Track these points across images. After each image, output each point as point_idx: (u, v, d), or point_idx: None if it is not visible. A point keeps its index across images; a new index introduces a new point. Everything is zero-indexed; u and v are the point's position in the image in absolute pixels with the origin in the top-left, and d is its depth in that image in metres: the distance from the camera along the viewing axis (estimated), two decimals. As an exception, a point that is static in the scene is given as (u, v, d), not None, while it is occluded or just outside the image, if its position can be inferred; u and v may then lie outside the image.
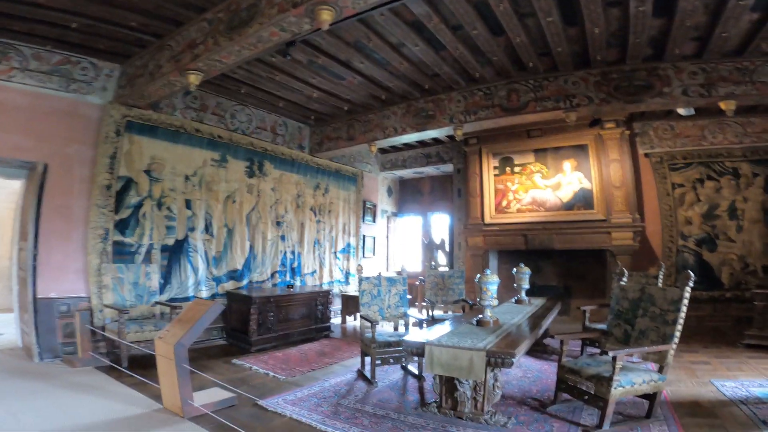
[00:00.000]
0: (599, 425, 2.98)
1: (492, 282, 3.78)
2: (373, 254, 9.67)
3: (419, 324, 4.96)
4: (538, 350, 5.34)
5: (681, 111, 5.56)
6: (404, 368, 4.71)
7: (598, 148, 6.98)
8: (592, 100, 5.02)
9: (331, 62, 5.27)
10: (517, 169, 7.62)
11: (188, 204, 5.86)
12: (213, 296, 6.11)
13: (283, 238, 7.34)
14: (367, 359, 4.42)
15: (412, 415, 3.43)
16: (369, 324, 4.33)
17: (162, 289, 5.46)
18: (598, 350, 5.03)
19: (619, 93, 4.91)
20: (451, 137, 8.24)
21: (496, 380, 3.27)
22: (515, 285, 5.32)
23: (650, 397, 3.12)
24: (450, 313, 6.35)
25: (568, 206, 7.15)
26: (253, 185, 6.79)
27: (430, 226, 10.10)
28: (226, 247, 6.33)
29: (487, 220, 7.77)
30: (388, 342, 4.31)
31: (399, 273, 5.06)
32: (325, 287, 7.73)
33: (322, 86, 6.05)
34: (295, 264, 7.56)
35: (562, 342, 3.50)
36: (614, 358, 2.89)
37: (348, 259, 8.76)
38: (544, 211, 7.32)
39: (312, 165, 7.90)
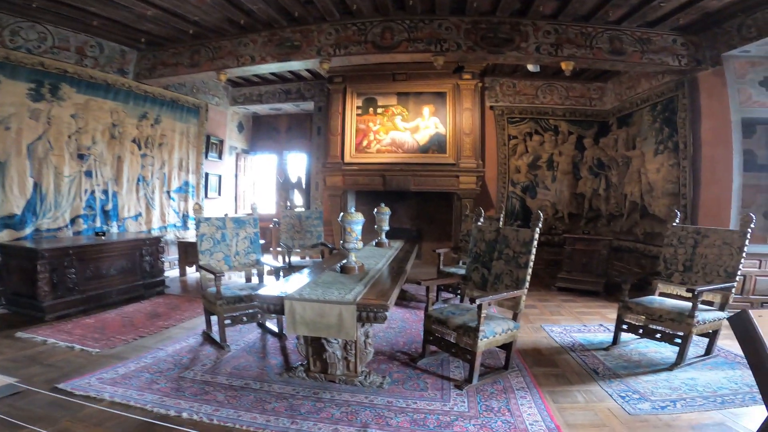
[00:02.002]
0: (469, 379, 3.02)
1: (357, 221, 3.40)
2: (219, 194, 8.51)
3: (276, 273, 4.42)
4: (398, 296, 5.35)
5: (530, 67, 5.95)
6: (261, 326, 4.20)
7: (455, 96, 7.28)
8: (460, 46, 5.09)
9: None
10: (379, 110, 7.54)
11: None
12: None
13: (89, 174, 5.74)
14: (214, 319, 3.75)
15: (278, 382, 3.02)
16: (212, 276, 3.62)
17: None
18: (452, 295, 5.38)
19: (485, 43, 5.06)
20: (314, 74, 7.68)
21: (367, 337, 3.03)
22: (375, 227, 5.17)
23: (507, 347, 3.19)
24: (309, 259, 5.96)
25: (424, 149, 7.33)
26: (39, 110, 5.10)
27: (286, 165, 9.38)
28: (-7, 184, 4.57)
29: (347, 159, 7.51)
30: (239, 297, 3.70)
31: (250, 214, 4.34)
32: (156, 233, 6.45)
33: (160, 3, 4.79)
34: (109, 206, 6.04)
35: (428, 289, 3.42)
36: (479, 307, 2.87)
37: (186, 200, 7.46)
38: (402, 153, 7.38)
39: (138, 92, 6.41)
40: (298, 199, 8.30)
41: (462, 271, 4.39)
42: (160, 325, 4.22)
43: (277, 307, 2.82)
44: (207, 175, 8.07)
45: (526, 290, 3.19)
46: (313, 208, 8.21)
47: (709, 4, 4.32)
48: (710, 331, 3.35)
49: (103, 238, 5.17)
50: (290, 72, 7.72)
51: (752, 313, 1.29)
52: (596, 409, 2.66)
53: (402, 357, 3.53)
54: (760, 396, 2.59)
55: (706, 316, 3.23)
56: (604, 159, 7.48)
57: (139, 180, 6.53)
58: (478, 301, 2.90)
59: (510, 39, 5.03)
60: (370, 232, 5.69)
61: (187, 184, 7.49)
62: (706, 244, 3.55)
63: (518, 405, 2.70)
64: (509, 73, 7.36)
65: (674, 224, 3.87)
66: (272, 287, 3.12)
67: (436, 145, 7.31)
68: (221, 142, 8.47)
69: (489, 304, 2.97)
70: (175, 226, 7.21)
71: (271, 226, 8.01)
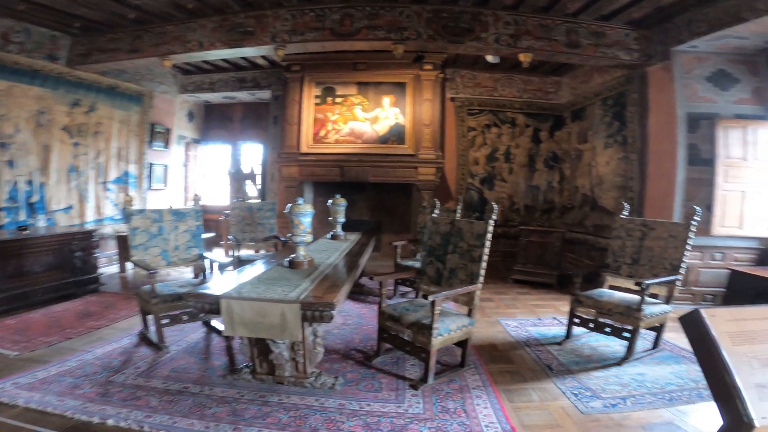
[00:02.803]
0: (424, 378, 2.92)
1: (305, 213, 3.19)
2: (165, 185, 7.97)
3: (220, 268, 4.13)
4: (354, 291, 5.21)
5: (489, 58, 5.91)
6: (207, 324, 3.92)
7: (415, 87, 7.21)
8: (420, 35, 4.98)
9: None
10: (338, 99, 7.37)
11: None
12: None
13: (11, 164, 5.17)
14: (153, 318, 3.46)
15: (220, 385, 2.81)
16: (147, 273, 3.32)
17: None
18: (411, 289, 5.24)
19: (445, 32, 4.97)
20: (271, 62, 7.39)
21: (316, 336, 2.86)
22: (330, 219, 4.96)
23: (462, 344, 3.12)
24: (263, 252, 5.67)
25: (383, 140, 7.22)
26: (-53, 95, 4.50)
27: (240, 156, 8.96)
28: None
29: (304, 149, 7.27)
30: (178, 294, 3.41)
31: (196, 205, 4.03)
32: (90, 227, 5.93)
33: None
34: (35, 198, 5.48)
35: (381, 285, 3.28)
36: (433, 303, 2.77)
37: (126, 191, 6.91)
38: (361, 143, 7.24)
39: (70, 78, 5.91)
40: (251, 190, 7.92)
41: (420, 265, 4.28)
42: (91, 326, 3.87)
43: (213, 307, 2.58)
44: (151, 165, 7.54)
45: (480, 285, 3.11)
46: (268, 199, 7.88)
47: (662, -3, 4.38)
48: (657, 324, 3.42)
49: (26, 232, 4.66)
50: (245, 60, 7.39)
51: (704, 312, 1.23)
52: (550, 408, 2.64)
53: (357, 355, 3.41)
54: (706, 393, 2.67)
55: (653, 309, 3.29)
56: (558, 152, 7.62)
57: (70, 170, 5.98)
58: (430, 298, 2.79)
59: (470, 29, 4.96)
60: (327, 224, 5.52)
61: (127, 174, 6.96)
62: (653, 236, 3.62)
63: (474, 405, 2.63)
64: (470, 64, 7.34)
65: (622, 216, 3.92)
66: (216, 283, 2.87)
67: (396, 135, 7.21)
68: (168, 131, 7.93)
69: (443, 301, 2.87)
70: (113, 219, 6.67)
71: (221, 218, 7.60)
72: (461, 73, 7.52)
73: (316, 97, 7.36)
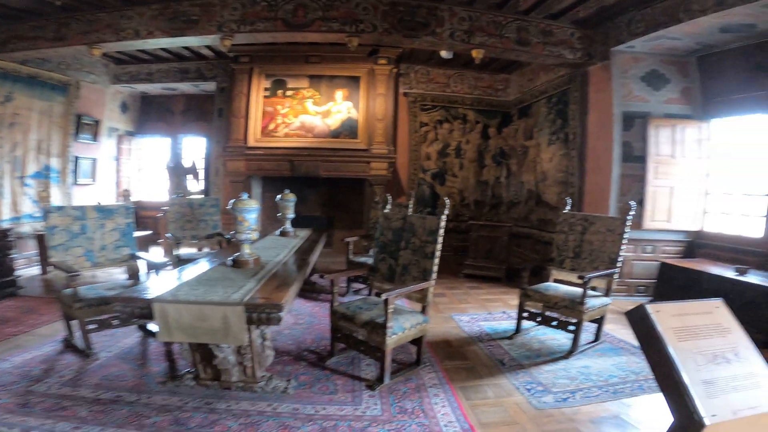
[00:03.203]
0: (380, 378, 2.86)
1: (250, 209, 3.02)
2: (93, 180, 7.31)
3: (156, 268, 3.80)
4: (306, 289, 5.06)
5: (443, 53, 5.92)
6: (143, 329, 3.63)
7: (369, 81, 7.11)
8: (376, 28, 4.90)
9: None
10: (289, 92, 7.12)
11: None
12: None
13: None
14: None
15: (161, 392, 2.60)
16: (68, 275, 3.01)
17: None
18: (364, 285, 5.17)
19: (401, 26, 4.92)
20: (218, 53, 7.03)
21: (264, 339, 2.71)
22: (278, 215, 4.76)
23: (417, 342, 3.10)
24: (207, 250, 5.34)
25: (335, 134, 7.08)
26: None
27: (181, 150, 8.43)
28: None
29: (251, 143, 6.95)
30: (105, 298, 3.10)
31: (133, 201, 3.68)
32: (5, 225, 5.29)
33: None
34: (-66, 193, 4.79)
35: (332, 283, 3.18)
36: (386, 302, 2.72)
37: (47, 187, 6.23)
38: (312, 138, 7.04)
39: None
40: (193, 185, 7.44)
41: (372, 261, 4.22)
42: (7, 332, 3.51)
43: (145, 311, 2.35)
44: (77, 159, 6.90)
45: (433, 282, 3.11)
46: (212, 195, 7.45)
47: (606, -3, 4.54)
48: (598, 316, 3.57)
49: None
50: (189, 50, 6.96)
51: (650, 308, 1.25)
52: (506, 404, 2.68)
53: (310, 356, 3.29)
54: (646, 385, 2.77)
55: (594, 302, 3.43)
56: (505, 148, 7.84)
57: (-19, 163, 5.31)
58: (383, 296, 2.73)
59: (426, 23, 4.94)
60: (276, 221, 5.31)
61: (48, 168, 6.29)
62: (593, 230, 3.78)
63: (432, 405, 2.62)
64: (424, 60, 7.35)
65: (565, 211, 4.07)
66: (149, 286, 2.62)
67: (348, 130, 7.08)
68: (97, 122, 7.30)
69: (396, 298, 2.82)
70: (32, 216, 5.99)
71: (159, 215, 7.09)
72: (415, 69, 7.52)
73: (266, 89, 7.08)
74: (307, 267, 3.45)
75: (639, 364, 3.26)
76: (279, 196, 4.63)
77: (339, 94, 7.10)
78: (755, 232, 4.50)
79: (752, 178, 4.65)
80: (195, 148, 8.53)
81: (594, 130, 5.52)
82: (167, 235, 4.98)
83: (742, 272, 3.95)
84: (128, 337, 3.50)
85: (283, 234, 4.67)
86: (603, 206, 5.24)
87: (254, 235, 3.08)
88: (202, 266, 3.13)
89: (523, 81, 7.28)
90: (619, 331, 4.02)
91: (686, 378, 1.14)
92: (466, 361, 3.32)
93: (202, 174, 8.11)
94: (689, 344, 1.20)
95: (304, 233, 5.04)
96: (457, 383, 2.92)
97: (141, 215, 7.58)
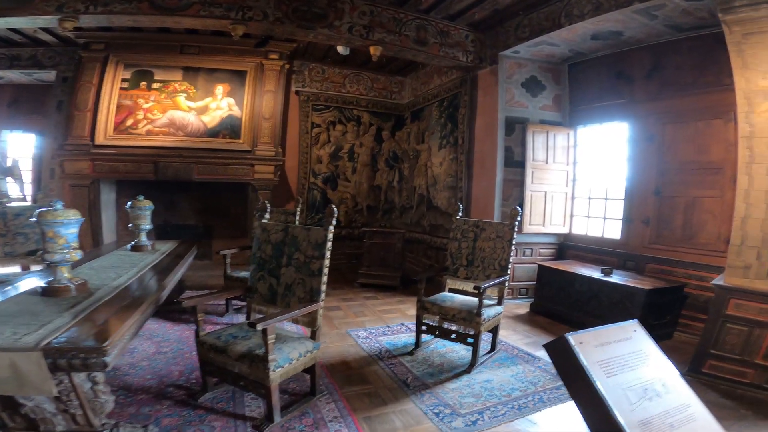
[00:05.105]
0: (269, 416, 2.40)
1: (67, 222, 2.30)
2: None
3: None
4: (173, 310, 4.21)
5: (340, 49, 5.58)
6: None
7: (256, 77, 6.48)
8: (267, 16, 4.38)
9: None
10: (156, 85, 6.13)
11: None
12: None
13: None
14: None
15: None
16: None
17: None
18: (245, 302, 4.56)
19: (296, 16, 4.48)
20: (62, 39, 5.94)
21: (96, 383, 2.02)
22: (130, 226, 3.87)
23: (310, 370, 2.73)
24: (37, 269, 4.10)
25: (213, 133, 6.27)
26: None
27: (5, 147, 6.74)
28: None
29: (100, 140, 5.79)
30: None
31: None
32: None
33: None
34: None
35: (194, 310, 2.62)
36: (264, 332, 2.26)
37: None
38: (183, 136, 6.13)
39: None
40: (13, 189, 5.86)
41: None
42: None
43: None
44: None
45: (322, 303, 2.71)
46: (46, 201, 5.96)
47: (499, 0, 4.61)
48: (494, 326, 3.52)
49: None
50: (20, 34, 5.68)
51: (572, 339, 1.01)
52: None
53: (177, 393, 2.71)
54: (545, 397, 2.64)
55: (490, 312, 3.36)
56: (398, 152, 7.78)
57: None
58: (259, 326, 2.23)
59: (324, 15, 4.55)
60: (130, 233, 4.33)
61: None
62: (484, 237, 3.73)
63: (334, 444, 2.22)
64: (320, 57, 6.96)
65: (458, 217, 3.97)
66: None
67: (229, 128, 6.33)
68: None
69: (275, 327, 2.34)
70: None
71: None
72: (310, 66, 7.08)
73: (124, 80, 6.00)
74: (162, 290, 2.75)
75: (535, 373, 3.27)
76: (129, 204, 3.75)
77: (220, 89, 6.32)
78: (614, 234, 5.00)
79: (611, 183, 5.16)
80: (23, 145, 6.90)
81: (481, 135, 5.64)
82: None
83: (607, 273, 4.29)
84: None
85: (137, 248, 3.79)
86: (489, 211, 5.36)
87: (75, 256, 2.30)
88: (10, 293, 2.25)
89: (418, 84, 7.29)
90: (511, 336, 4.08)
91: (622, 421, 0.92)
92: (368, 385, 3.02)
93: (27, 176, 6.53)
94: (618, 379, 1.01)
95: (166, 246, 4.20)
96: (360, 413, 2.61)
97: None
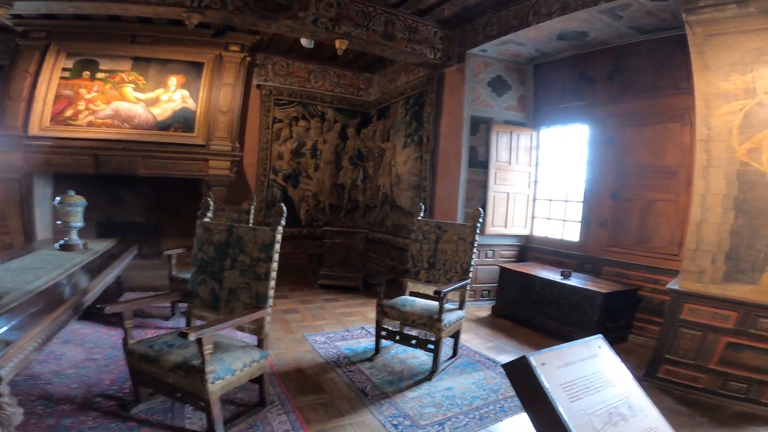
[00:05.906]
0: (210, 431, 2.16)
1: None
2: None
3: None
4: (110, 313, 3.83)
5: (304, 41, 5.35)
6: None
7: (214, 69, 6.13)
8: (225, 5, 4.11)
9: None
10: (101, 75, 5.69)
11: None
12: None
13: None
14: None
15: None
16: None
17: None
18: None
19: (257, 5, 4.22)
20: (1, 28, 5.34)
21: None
22: (58, 223, 3.49)
23: (259, 380, 2.50)
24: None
25: (164, 126, 5.88)
26: None
27: None
28: None
29: (35, 131, 5.32)
30: None
31: None
32: None
33: None
34: None
35: (123, 318, 2.35)
36: (200, 342, 2.04)
37: None
38: (129, 128, 5.71)
39: None
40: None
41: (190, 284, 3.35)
42: None
43: None
44: None
45: (270, 309, 2.50)
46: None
47: (468, -4, 4.50)
48: (455, 331, 3.40)
49: None
50: None
51: (533, 360, 0.87)
52: None
53: (106, 404, 2.47)
54: (507, 405, 2.51)
55: (451, 317, 3.23)
56: (363, 150, 7.61)
57: None
58: (191, 336, 1.99)
59: (288, 5, 4.30)
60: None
61: None
62: (446, 239, 3.61)
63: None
64: (285, 51, 6.68)
65: (420, 218, 3.82)
66: None
67: (182, 121, 5.96)
68: None
69: (212, 337, 2.11)
70: None
71: None
72: (274, 60, 6.78)
73: (65, 70, 5.54)
74: (84, 294, 2.46)
75: (496, 380, 3.17)
76: (58, 199, 3.37)
77: (173, 80, 5.93)
78: (574, 237, 5.03)
79: (571, 185, 5.19)
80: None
81: (446, 134, 5.55)
82: None
83: (566, 276, 4.28)
84: None
85: (65, 248, 3.42)
86: (452, 212, 5.28)
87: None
88: None
89: (385, 81, 7.13)
90: (473, 341, 3.99)
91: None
92: (324, 394, 2.83)
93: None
94: (583, 404, 0.90)
95: (102, 246, 3.84)
96: (314, 426, 2.43)
97: None
